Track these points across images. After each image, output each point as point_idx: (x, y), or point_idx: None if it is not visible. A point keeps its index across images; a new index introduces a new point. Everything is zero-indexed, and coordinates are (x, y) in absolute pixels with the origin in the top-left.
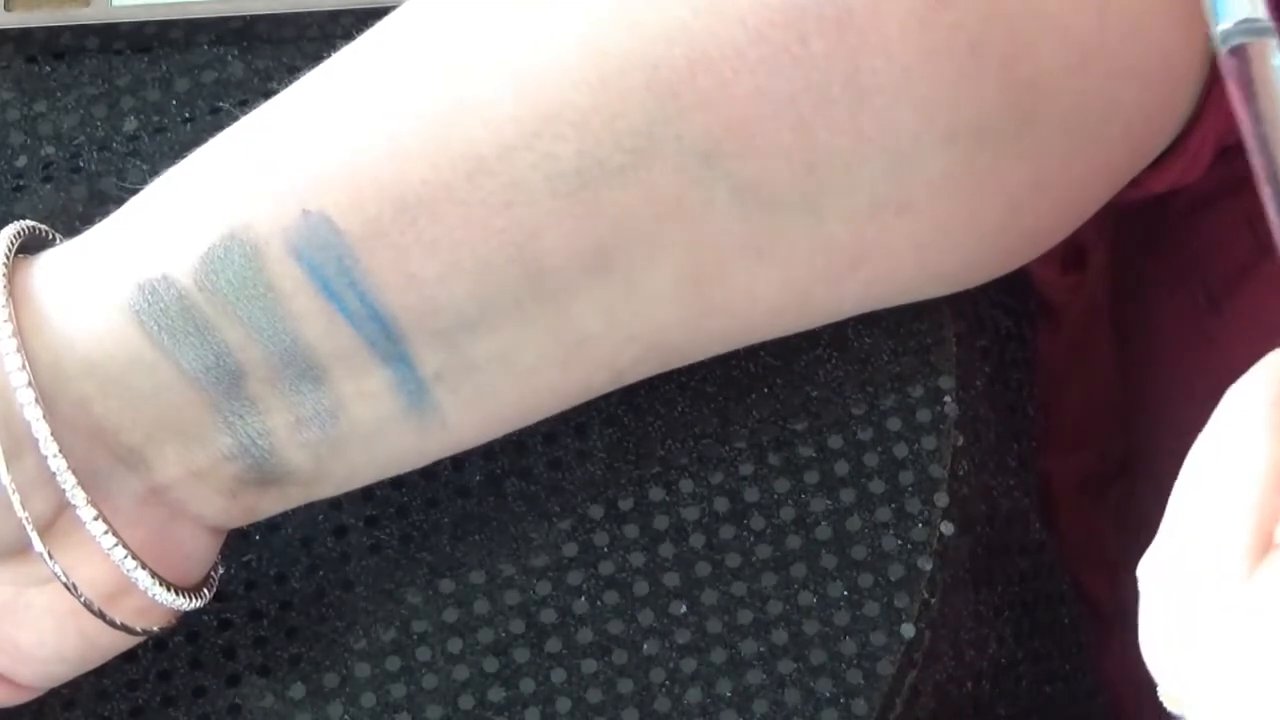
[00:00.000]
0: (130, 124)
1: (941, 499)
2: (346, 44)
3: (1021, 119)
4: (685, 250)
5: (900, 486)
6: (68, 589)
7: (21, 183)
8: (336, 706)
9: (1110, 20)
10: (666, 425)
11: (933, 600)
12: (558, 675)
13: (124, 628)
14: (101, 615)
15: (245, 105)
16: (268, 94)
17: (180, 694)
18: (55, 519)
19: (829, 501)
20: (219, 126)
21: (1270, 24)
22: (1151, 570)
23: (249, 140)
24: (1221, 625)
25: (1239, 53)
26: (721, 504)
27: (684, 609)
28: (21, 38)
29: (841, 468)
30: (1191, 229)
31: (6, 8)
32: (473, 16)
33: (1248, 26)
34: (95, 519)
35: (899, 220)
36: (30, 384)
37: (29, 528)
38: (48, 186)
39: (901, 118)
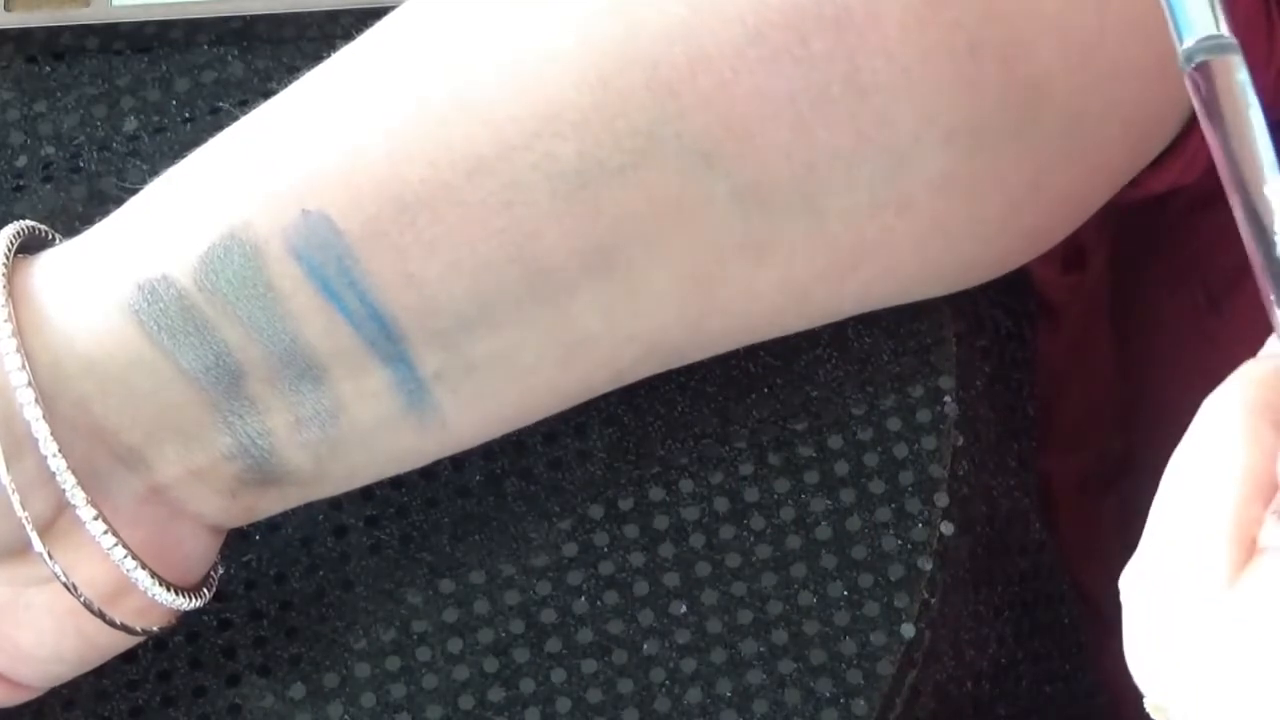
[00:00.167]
0: (130, 124)
1: (941, 499)
2: (346, 44)
3: (1021, 118)
4: (685, 250)
5: (900, 486)
6: (67, 589)
7: (21, 183)
8: (336, 706)
9: (1109, 20)
10: (666, 425)
11: (933, 600)
12: (558, 675)
13: (124, 628)
14: (101, 615)
15: (245, 105)
16: (268, 94)
17: (180, 694)
18: (55, 519)
19: (829, 501)
20: (219, 126)
21: (1233, 40)
22: (1133, 580)
23: (249, 140)
24: (1203, 631)
25: (1203, 69)
26: (721, 504)
27: (684, 609)
28: (21, 38)
29: (841, 468)
30: (1191, 229)
31: (6, 8)
32: (472, 16)
33: (1211, 44)
34: (95, 519)
35: (899, 220)
36: (30, 384)
37: (29, 528)
38: (48, 186)
39: (901, 117)
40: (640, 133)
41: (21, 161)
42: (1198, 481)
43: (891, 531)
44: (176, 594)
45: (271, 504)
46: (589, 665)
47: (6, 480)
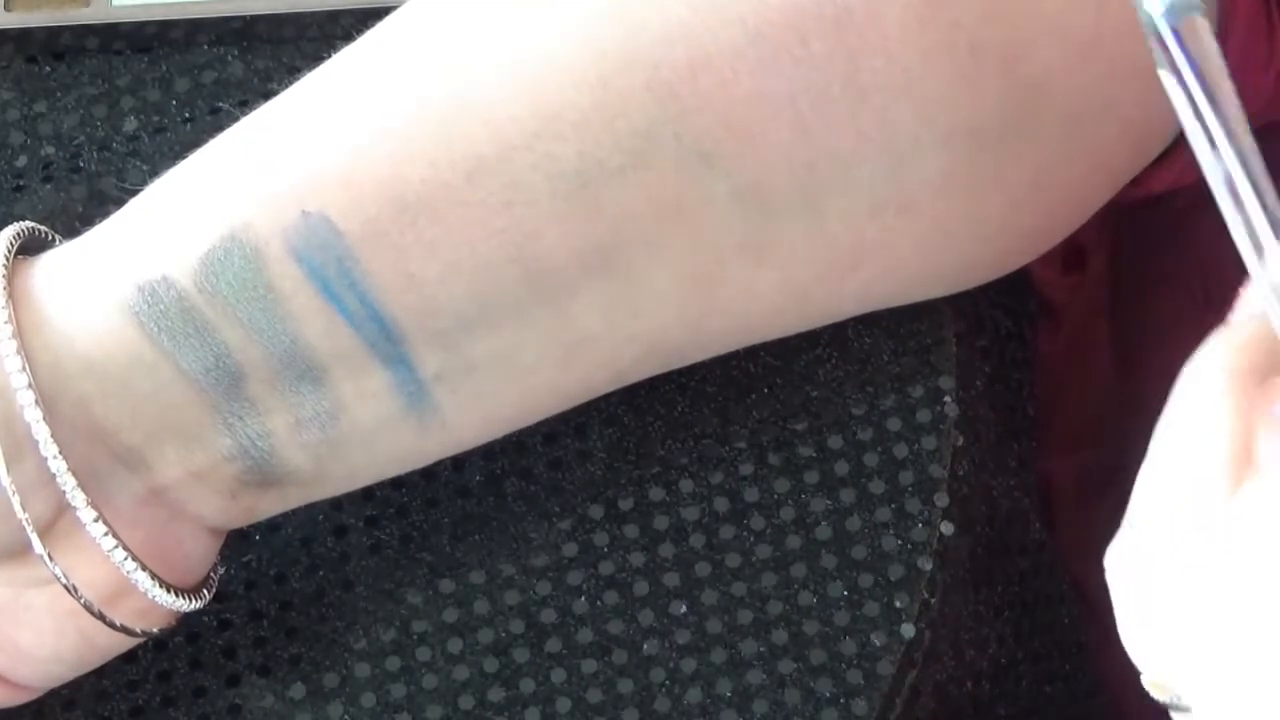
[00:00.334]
0: (130, 124)
1: (941, 499)
2: (346, 44)
3: (1021, 118)
4: (685, 250)
5: (900, 486)
6: (68, 590)
7: (21, 183)
8: (336, 706)
9: (1109, 19)
10: (666, 425)
11: (933, 600)
12: (558, 675)
13: (124, 629)
14: (101, 617)
15: (245, 105)
16: (268, 94)
17: (180, 694)
18: (55, 520)
19: (829, 501)
20: (219, 126)
21: (1199, 1)
22: (1116, 557)
23: (249, 141)
24: (1190, 597)
25: (1172, 31)
26: (721, 504)
27: (684, 609)
28: (21, 38)
29: (841, 468)
30: (1191, 229)
31: (6, 8)
32: (472, 17)
33: (1176, 3)
34: (95, 520)
35: (899, 220)
36: (30, 385)
37: (29, 529)
38: (48, 186)
39: (901, 117)
40: (640, 133)
41: (21, 161)
42: (1178, 450)
43: (891, 531)
44: (176, 595)
45: (271, 505)
46: (589, 665)
47: (7, 482)
